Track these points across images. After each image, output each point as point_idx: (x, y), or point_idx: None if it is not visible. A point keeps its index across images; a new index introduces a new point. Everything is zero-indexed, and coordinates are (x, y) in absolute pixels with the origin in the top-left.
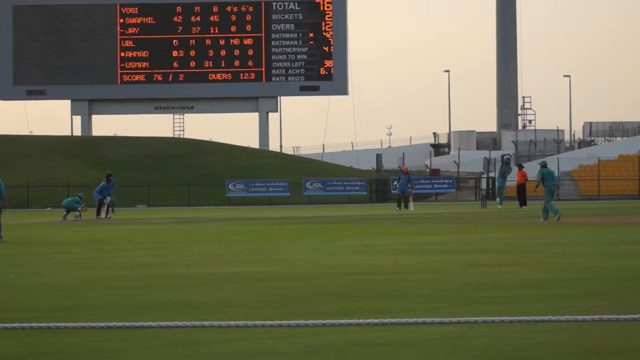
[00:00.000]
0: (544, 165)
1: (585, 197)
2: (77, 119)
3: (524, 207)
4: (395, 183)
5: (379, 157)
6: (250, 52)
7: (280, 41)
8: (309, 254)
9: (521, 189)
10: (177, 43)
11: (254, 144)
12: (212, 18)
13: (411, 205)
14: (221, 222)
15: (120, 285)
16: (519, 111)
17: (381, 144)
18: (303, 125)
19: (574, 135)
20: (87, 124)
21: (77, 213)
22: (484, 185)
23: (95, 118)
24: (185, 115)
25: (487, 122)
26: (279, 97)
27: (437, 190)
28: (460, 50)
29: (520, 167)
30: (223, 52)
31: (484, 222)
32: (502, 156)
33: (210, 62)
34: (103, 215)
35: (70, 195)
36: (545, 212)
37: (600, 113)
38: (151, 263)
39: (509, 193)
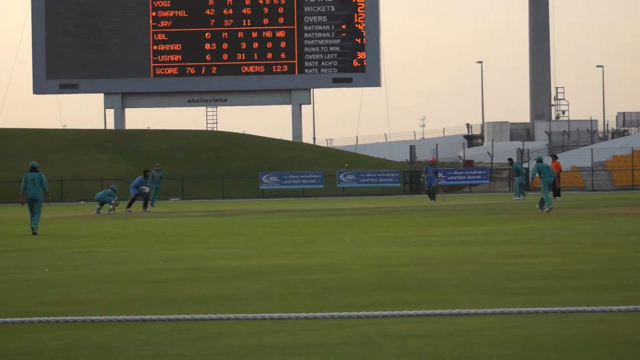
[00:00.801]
0: (539, 160)
1: (619, 187)
2: (110, 113)
3: (557, 197)
4: (422, 175)
5: (412, 148)
6: (283, 44)
7: (312, 33)
8: (342, 246)
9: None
10: (209, 36)
11: (287, 136)
12: (244, 10)
13: (443, 197)
14: (255, 215)
15: (155, 278)
16: (552, 102)
17: (414, 135)
18: (336, 117)
19: (607, 125)
20: (120, 118)
21: (111, 206)
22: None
23: (128, 111)
24: (218, 108)
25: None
26: (311, 89)
27: (471, 182)
28: (493, 41)
29: (554, 157)
30: (255, 45)
31: (517, 213)
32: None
33: (243, 54)
34: (139, 209)
35: (103, 188)
36: (541, 203)
37: (634, 103)
38: (185, 256)
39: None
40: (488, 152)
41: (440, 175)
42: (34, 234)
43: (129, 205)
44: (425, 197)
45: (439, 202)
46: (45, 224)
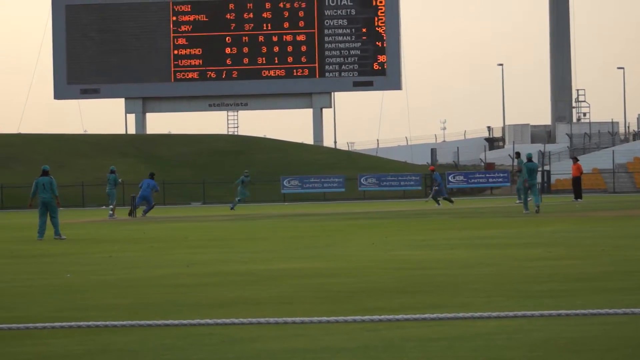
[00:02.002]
0: (529, 159)
1: None
2: (131, 117)
3: (579, 200)
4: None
5: (433, 151)
6: (304, 48)
7: (333, 37)
8: (364, 249)
9: (577, 181)
10: (230, 40)
11: (308, 140)
12: (264, 14)
13: (436, 202)
14: (276, 219)
15: (177, 282)
16: (573, 104)
17: (435, 138)
18: (357, 120)
19: (628, 127)
20: (141, 122)
21: (111, 212)
22: (539, 178)
23: (149, 116)
24: (239, 112)
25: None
26: (332, 93)
27: (492, 184)
28: (514, 43)
29: (575, 159)
30: (276, 49)
31: (539, 216)
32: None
33: (264, 58)
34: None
35: (124, 193)
36: (526, 204)
37: None
38: (207, 260)
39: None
40: (509, 155)
41: (437, 181)
42: (59, 238)
43: (146, 212)
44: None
45: (430, 204)
46: (67, 229)
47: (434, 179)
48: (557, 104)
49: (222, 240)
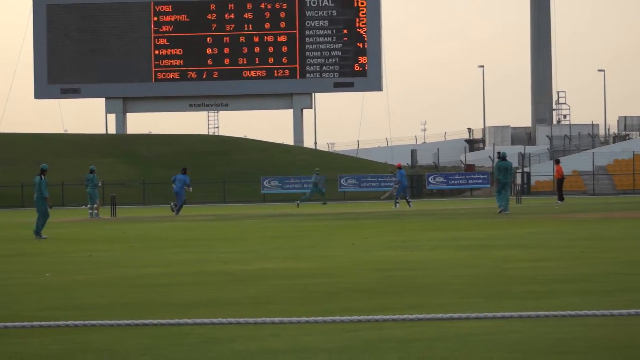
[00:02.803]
0: (502, 158)
1: (621, 191)
2: (112, 117)
3: (560, 202)
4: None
5: (413, 152)
6: (285, 48)
7: (314, 38)
8: (344, 250)
9: (559, 183)
10: (211, 40)
11: (289, 140)
12: (245, 15)
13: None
14: (256, 219)
15: (156, 282)
16: (554, 106)
17: (416, 139)
18: (337, 121)
19: (608, 129)
20: (121, 122)
21: (95, 211)
22: (518, 180)
23: (129, 116)
24: (220, 112)
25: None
26: (313, 94)
27: (472, 186)
28: (495, 45)
29: (557, 162)
30: (257, 49)
31: (519, 218)
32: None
33: (245, 59)
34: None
35: (105, 193)
36: (505, 204)
37: (635, 107)
38: (187, 260)
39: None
40: (489, 157)
41: (395, 179)
42: (38, 238)
43: (178, 210)
44: (429, 202)
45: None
46: (47, 229)
47: (396, 177)
48: (538, 106)
49: (201, 240)
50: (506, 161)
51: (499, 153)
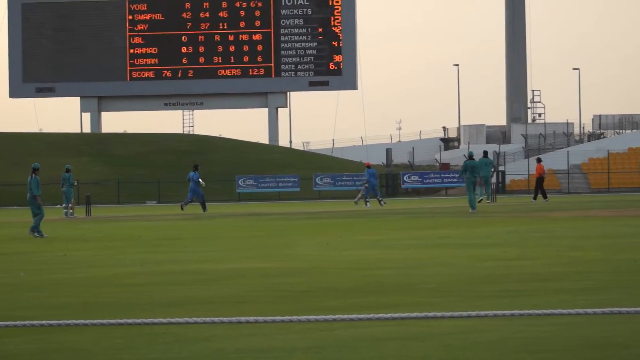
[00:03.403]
0: (470, 157)
1: (595, 190)
2: (87, 116)
3: (534, 200)
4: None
5: (388, 151)
6: (260, 47)
7: (289, 36)
8: (319, 249)
9: (538, 182)
10: (186, 39)
11: (264, 139)
12: (221, 14)
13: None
14: (231, 218)
15: (131, 282)
16: (529, 104)
17: (391, 138)
18: (312, 120)
19: (583, 128)
20: (96, 121)
21: (70, 210)
22: (494, 179)
23: (104, 115)
24: (195, 111)
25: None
26: (288, 93)
27: (447, 184)
28: (470, 44)
29: (539, 160)
30: (232, 48)
31: (494, 216)
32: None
33: (220, 57)
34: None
35: (80, 192)
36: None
37: (610, 106)
38: (161, 259)
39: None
40: (464, 155)
41: (364, 179)
42: (36, 236)
43: (204, 208)
44: (404, 200)
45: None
46: (22, 227)
47: (365, 176)
48: (513, 104)
49: (176, 239)
50: (474, 160)
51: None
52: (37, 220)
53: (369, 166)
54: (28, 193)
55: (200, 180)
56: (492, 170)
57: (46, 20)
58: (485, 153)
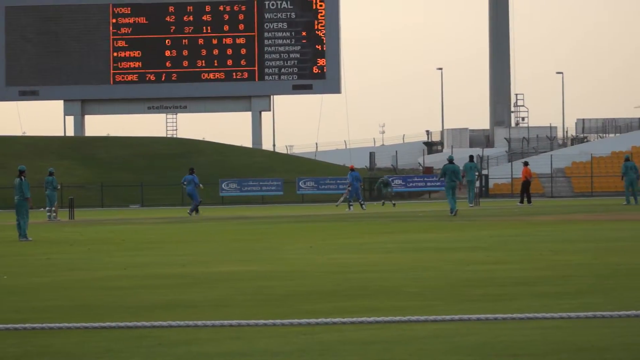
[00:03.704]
0: (450, 161)
1: (578, 193)
2: (70, 120)
3: (520, 204)
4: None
5: (372, 155)
6: (243, 51)
7: (273, 40)
8: (302, 253)
9: (524, 185)
10: (169, 43)
11: (247, 143)
12: (204, 17)
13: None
14: (214, 222)
15: (114, 285)
16: (512, 108)
17: (374, 142)
18: (296, 124)
19: (566, 132)
20: (80, 125)
21: (52, 214)
22: (477, 182)
23: (88, 118)
24: (178, 114)
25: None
26: (272, 96)
27: (430, 188)
28: (453, 48)
29: (525, 163)
30: (216, 52)
31: (477, 220)
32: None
33: (203, 61)
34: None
35: (64, 195)
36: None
37: (593, 110)
38: (144, 263)
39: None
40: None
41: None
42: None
43: (196, 211)
44: (387, 204)
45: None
46: (4, 231)
47: (348, 179)
48: (496, 108)
49: (159, 242)
50: (454, 164)
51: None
52: (25, 225)
53: (352, 169)
54: (17, 196)
55: (201, 185)
56: (477, 174)
57: (30, 23)
58: (471, 157)
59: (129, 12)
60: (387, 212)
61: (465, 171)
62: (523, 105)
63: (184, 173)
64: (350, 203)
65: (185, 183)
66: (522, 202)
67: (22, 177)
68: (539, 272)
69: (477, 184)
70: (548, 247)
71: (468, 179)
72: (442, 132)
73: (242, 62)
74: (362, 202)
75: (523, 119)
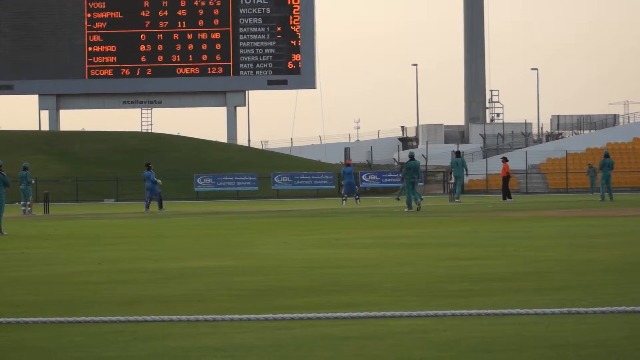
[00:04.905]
0: (411, 157)
1: (554, 190)
2: (45, 114)
3: (507, 199)
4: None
5: (347, 150)
6: (218, 46)
7: (248, 35)
8: (277, 248)
9: (504, 181)
10: (144, 37)
11: (222, 138)
12: (179, 12)
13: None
14: (189, 217)
15: (89, 280)
16: (487, 104)
17: (349, 137)
18: (271, 119)
19: (541, 128)
20: (55, 119)
21: (27, 208)
22: (452, 178)
23: (63, 113)
24: (153, 109)
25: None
26: (247, 91)
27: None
28: (428, 43)
29: (505, 159)
30: (191, 47)
31: (452, 216)
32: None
33: (178, 56)
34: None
35: (39, 189)
36: (408, 202)
37: (568, 106)
38: (119, 258)
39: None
40: (422, 155)
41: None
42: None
43: (160, 205)
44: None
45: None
46: None
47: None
48: (471, 104)
49: (133, 237)
50: (415, 160)
51: (457, 152)
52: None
53: (349, 164)
54: None
55: (157, 179)
56: (465, 170)
57: (4, 17)
58: (458, 153)
59: (104, 6)
60: (362, 208)
61: (452, 167)
62: (498, 102)
63: (160, 167)
64: (354, 197)
65: (146, 179)
66: (505, 197)
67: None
68: (514, 268)
69: (466, 180)
70: (523, 244)
71: (455, 175)
72: (417, 128)
73: (217, 57)
74: (344, 197)
75: (498, 115)
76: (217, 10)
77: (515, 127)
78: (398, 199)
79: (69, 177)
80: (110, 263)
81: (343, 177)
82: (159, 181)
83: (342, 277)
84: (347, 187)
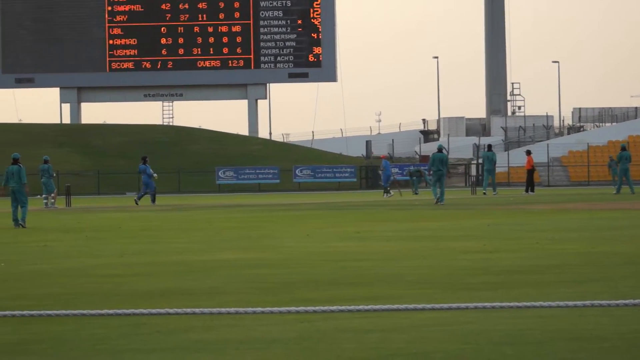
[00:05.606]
0: (439, 149)
1: (575, 183)
2: (66, 107)
3: (530, 192)
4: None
5: (368, 143)
6: (239, 39)
7: (268, 28)
8: (299, 241)
9: (529, 174)
10: (165, 30)
11: (244, 131)
12: (200, 5)
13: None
14: (211, 210)
15: (111, 272)
16: (508, 97)
17: (370, 130)
18: (292, 112)
19: (563, 121)
20: (76, 112)
21: (52, 199)
22: (473, 171)
23: (84, 106)
24: (174, 102)
25: (477, 109)
26: (267, 84)
27: (427, 177)
28: (449, 36)
29: (528, 152)
30: (211, 39)
31: (474, 209)
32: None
33: (199, 49)
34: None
35: (60, 183)
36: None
37: (590, 99)
38: (141, 250)
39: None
40: (444, 148)
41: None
42: (19, 226)
43: (153, 199)
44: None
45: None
46: (3, 218)
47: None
48: (492, 97)
49: (156, 230)
50: (442, 153)
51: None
52: (25, 211)
53: (384, 158)
54: (15, 183)
55: (154, 173)
56: (494, 163)
57: (25, 11)
58: (489, 147)
59: (125, 0)
60: (384, 201)
61: (483, 159)
62: (519, 94)
63: (181, 160)
64: (389, 189)
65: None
66: (531, 190)
67: (20, 164)
68: (536, 260)
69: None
70: (545, 236)
71: (486, 168)
72: (438, 121)
73: (238, 50)
74: (388, 189)
75: (519, 107)
76: (238, 3)
77: (536, 119)
78: (416, 193)
79: (90, 170)
80: (132, 256)
81: (383, 170)
82: (155, 175)
83: (364, 270)
84: (387, 178)
